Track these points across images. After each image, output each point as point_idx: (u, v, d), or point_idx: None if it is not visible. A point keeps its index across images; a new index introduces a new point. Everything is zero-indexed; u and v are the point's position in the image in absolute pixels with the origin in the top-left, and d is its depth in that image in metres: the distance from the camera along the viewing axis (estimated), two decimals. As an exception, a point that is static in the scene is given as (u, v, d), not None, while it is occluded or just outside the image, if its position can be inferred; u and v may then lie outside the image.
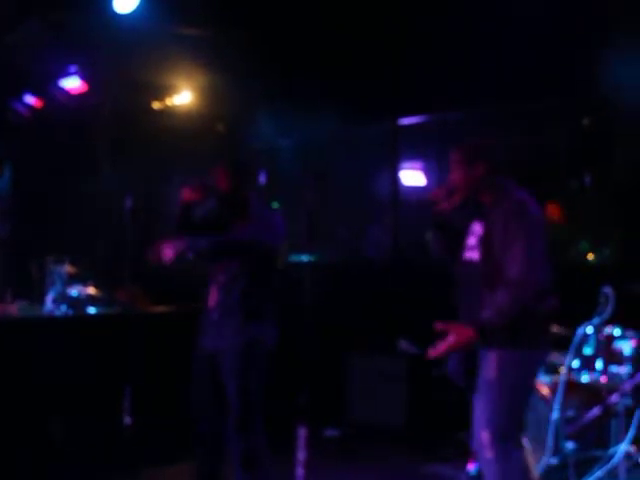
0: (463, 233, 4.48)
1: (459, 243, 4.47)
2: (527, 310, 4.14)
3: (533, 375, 4.39)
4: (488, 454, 4.16)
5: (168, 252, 4.75)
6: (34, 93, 7.96)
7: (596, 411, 5.28)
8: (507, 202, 4.30)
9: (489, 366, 4.19)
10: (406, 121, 8.62)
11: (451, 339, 4.13)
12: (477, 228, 4.39)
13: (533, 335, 4.23)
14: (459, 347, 4.15)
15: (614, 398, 5.14)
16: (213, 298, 4.98)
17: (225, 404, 4.88)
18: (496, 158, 4.48)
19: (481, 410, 4.21)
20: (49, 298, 7.09)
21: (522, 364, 4.23)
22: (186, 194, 5.05)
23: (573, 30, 6.71)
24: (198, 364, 5.01)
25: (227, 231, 4.96)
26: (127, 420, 5.50)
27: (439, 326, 4.17)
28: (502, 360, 4.16)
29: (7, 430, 5.81)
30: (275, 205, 9.53)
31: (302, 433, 4.98)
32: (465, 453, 5.50)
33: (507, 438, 4.17)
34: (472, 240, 4.40)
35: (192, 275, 8.12)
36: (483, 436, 4.16)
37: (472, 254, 4.36)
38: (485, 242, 4.27)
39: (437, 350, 4.19)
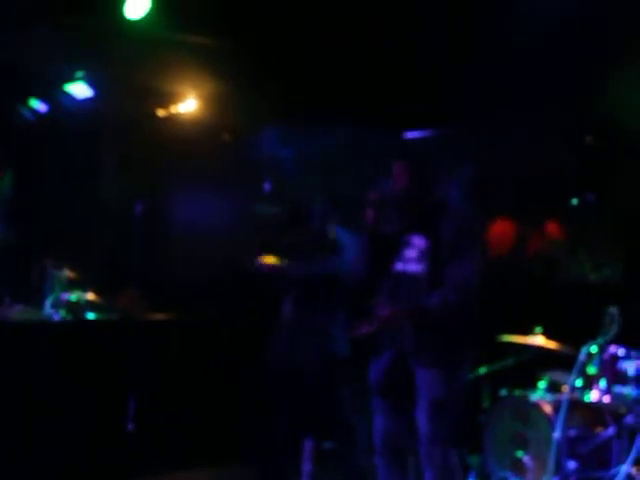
0: (392, 244, 4.49)
1: (387, 254, 4.49)
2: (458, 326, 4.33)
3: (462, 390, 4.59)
4: (442, 465, 4.33)
5: None
6: (40, 97, 7.95)
7: (611, 431, 5.26)
8: (455, 217, 4.39)
9: (436, 385, 4.34)
10: (411, 135, 8.64)
11: (382, 314, 4.27)
12: (418, 241, 4.42)
13: (464, 351, 4.46)
14: (388, 321, 4.28)
15: (629, 419, 5.12)
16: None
17: None
18: (440, 174, 4.56)
19: (430, 427, 4.32)
20: (48, 303, 7.06)
21: (459, 379, 4.44)
22: None
23: (576, 47, 6.72)
24: None
25: None
26: (130, 427, 5.49)
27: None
28: (447, 378, 4.34)
29: (7, 436, 5.77)
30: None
31: (308, 445, 5.00)
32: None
33: (451, 447, 4.40)
34: (411, 253, 4.43)
35: (193, 284, 8.16)
36: (436, 452, 4.33)
37: (413, 267, 4.40)
38: (432, 255, 4.33)
39: (365, 326, 4.34)
